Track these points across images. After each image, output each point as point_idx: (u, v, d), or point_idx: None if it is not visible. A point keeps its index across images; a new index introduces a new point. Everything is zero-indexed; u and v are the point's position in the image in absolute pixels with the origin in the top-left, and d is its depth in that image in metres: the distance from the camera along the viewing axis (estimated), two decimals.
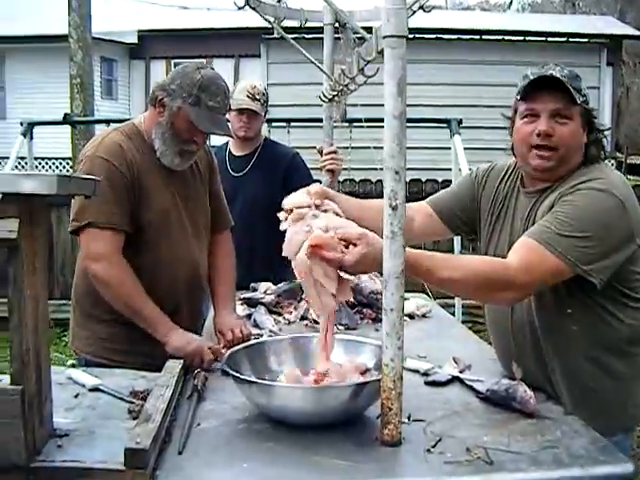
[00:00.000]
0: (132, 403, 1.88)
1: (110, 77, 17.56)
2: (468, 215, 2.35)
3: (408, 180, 1.79)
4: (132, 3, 17.18)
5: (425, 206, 2.42)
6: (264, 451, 1.65)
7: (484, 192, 2.30)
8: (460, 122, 6.04)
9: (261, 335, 2.66)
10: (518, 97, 2.06)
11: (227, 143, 3.86)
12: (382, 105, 1.58)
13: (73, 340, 2.68)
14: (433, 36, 13.32)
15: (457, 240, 5.56)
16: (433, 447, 1.64)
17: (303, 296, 3.10)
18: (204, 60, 14.19)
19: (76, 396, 1.96)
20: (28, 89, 16.54)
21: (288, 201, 1.99)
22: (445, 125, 6.16)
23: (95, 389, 2.01)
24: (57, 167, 16.62)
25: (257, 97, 3.64)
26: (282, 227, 1.95)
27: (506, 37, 14.21)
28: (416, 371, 2.20)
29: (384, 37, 1.58)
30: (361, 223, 1.89)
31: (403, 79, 1.57)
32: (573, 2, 29.93)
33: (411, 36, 1.58)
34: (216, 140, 4.05)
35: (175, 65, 3.27)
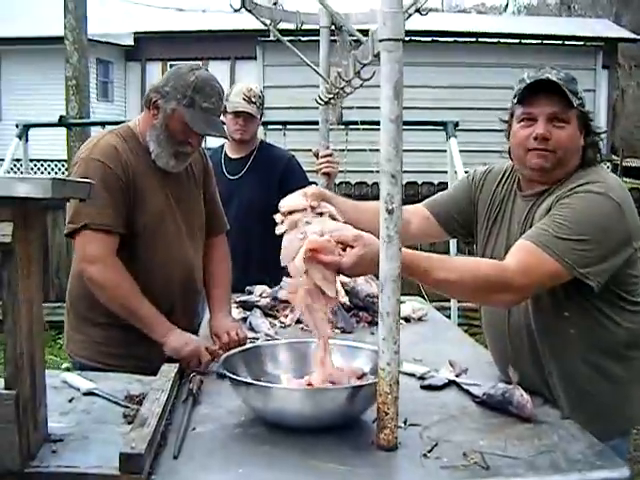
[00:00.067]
0: (127, 407, 1.87)
1: (106, 79, 17.57)
2: (465, 218, 2.35)
3: (404, 183, 1.79)
4: (128, 5, 17.19)
5: (422, 209, 2.41)
6: (260, 455, 1.64)
7: (481, 195, 2.30)
8: (456, 125, 6.05)
9: (257, 339, 2.65)
10: (515, 101, 2.06)
11: (223, 146, 3.85)
12: (378, 107, 1.58)
13: (68, 344, 2.67)
14: (429, 39, 13.31)
15: (453, 243, 5.56)
16: (429, 452, 1.63)
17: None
18: (200, 62, 14.21)
19: (71, 400, 1.95)
20: (24, 91, 16.55)
21: (284, 203, 1.98)
22: (441, 128, 6.17)
23: (90, 393, 2.00)
24: (52, 169, 16.62)
25: (253, 100, 3.63)
26: (277, 231, 1.94)
27: (502, 40, 14.23)
28: (412, 375, 2.19)
29: (380, 40, 1.57)
30: (358, 225, 1.88)
31: (400, 82, 1.57)
32: (569, 5, 30.01)
33: (407, 39, 1.57)
34: (212, 142, 4.04)
35: (171, 67, 3.26)
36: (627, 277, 1.95)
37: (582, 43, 14.64)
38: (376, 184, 7.50)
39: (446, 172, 6.16)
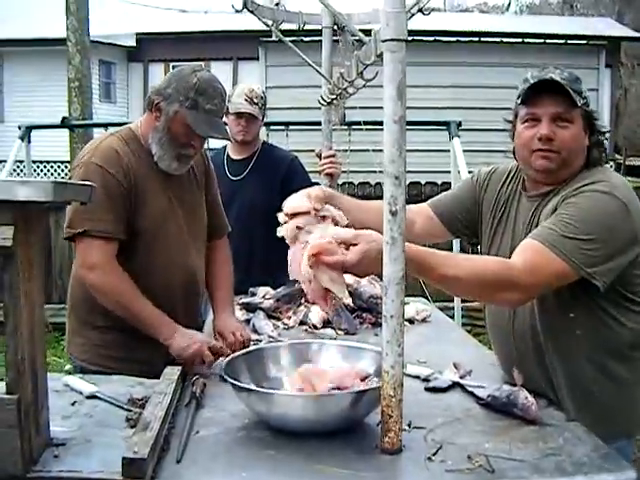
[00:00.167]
0: (130, 411, 1.86)
1: (108, 80, 17.57)
2: (469, 218, 2.34)
3: (407, 183, 1.77)
4: (130, 6, 17.19)
5: (426, 208, 2.40)
6: (264, 459, 1.63)
7: (486, 195, 2.29)
8: (459, 124, 6.04)
9: (260, 340, 2.64)
10: (519, 101, 2.05)
11: (225, 147, 3.85)
12: (381, 107, 1.57)
13: (69, 347, 2.66)
14: (431, 38, 13.28)
15: (456, 243, 5.55)
16: (434, 455, 1.62)
17: (302, 301, 3.10)
18: (202, 63, 14.21)
19: (73, 404, 1.94)
20: (26, 92, 16.55)
21: (288, 204, 1.97)
22: (444, 128, 6.15)
23: (92, 396, 1.99)
24: (55, 171, 16.63)
25: (255, 101, 3.63)
26: (279, 233, 1.93)
27: (505, 39, 14.19)
28: (416, 377, 2.18)
29: (383, 41, 1.56)
30: (363, 225, 1.86)
31: (403, 83, 1.56)
32: (571, 4, 29.98)
33: (409, 38, 1.56)
34: (214, 143, 4.03)
35: (174, 68, 3.25)
36: (633, 278, 1.94)
37: (585, 42, 14.60)
38: (379, 184, 7.49)
39: (449, 172, 6.15)
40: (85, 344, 2.57)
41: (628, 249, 1.88)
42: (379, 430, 1.66)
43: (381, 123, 1.58)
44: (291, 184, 3.40)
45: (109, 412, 1.89)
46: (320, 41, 3.47)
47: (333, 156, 3.64)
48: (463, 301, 6.07)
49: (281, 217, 1.95)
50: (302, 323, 2.96)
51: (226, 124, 3.24)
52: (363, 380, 1.91)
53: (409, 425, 1.77)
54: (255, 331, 2.79)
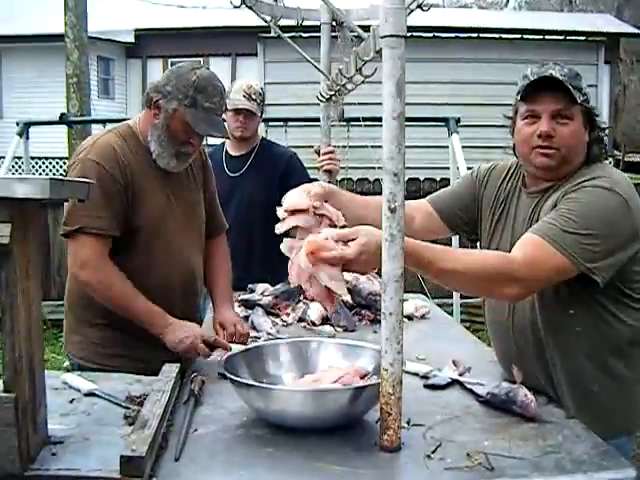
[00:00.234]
0: (128, 408, 1.86)
1: (107, 76, 17.52)
2: (469, 215, 2.33)
3: (406, 179, 1.76)
4: (128, 2, 17.15)
5: (425, 204, 2.39)
6: (263, 457, 1.62)
7: (485, 192, 2.28)
8: (458, 121, 6.03)
9: (258, 337, 2.64)
10: (518, 97, 2.04)
11: (224, 143, 3.84)
12: (380, 104, 1.56)
13: (66, 344, 2.66)
14: (430, 34, 13.27)
15: (455, 239, 5.55)
16: (433, 452, 1.62)
17: (301, 297, 3.09)
18: (201, 59, 14.19)
19: (71, 401, 1.94)
20: (25, 88, 16.51)
21: (287, 200, 1.96)
22: (443, 124, 6.15)
23: (91, 394, 1.99)
24: (54, 167, 16.60)
25: (253, 97, 3.62)
26: (277, 230, 1.93)
27: (503, 35, 14.16)
28: (415, 374, 2.18)
29: (382, 37, 1.55)
30: (364, 222, 1.85)
31: (402, 79, 1.55)
32: (570, 0, 29.92)
33: (408, 34, 1.55)
34: (212, 139, 4.02)
35: (172, 64, 3.23)
36: (632, 274, 1.94)
37: (584, 38, 14.58)
38: (378, 180, 7.49)
39: (448, 168, 6.15)
40: (82, 342, 2.56)
41: (628, 245, 1.88)
42: (378, 427, 1.65)
43: (380, 119, 1.58)
44: (290, 180, 3.39)
45: (107, 410, 1.89)
46: (319, 37, 3.46)
47: (332, 152, 3.64)
48: (462, 297, 6.08)
49: (280, 212, 1.95)
50: (301, 320, 2.95)
51: (224, 120, 3.24)
52: (362, 378, 1.90)
53: (408, 422, 1.77)
54: (254, 328, 2.79)
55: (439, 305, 3.54)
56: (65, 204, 2.41)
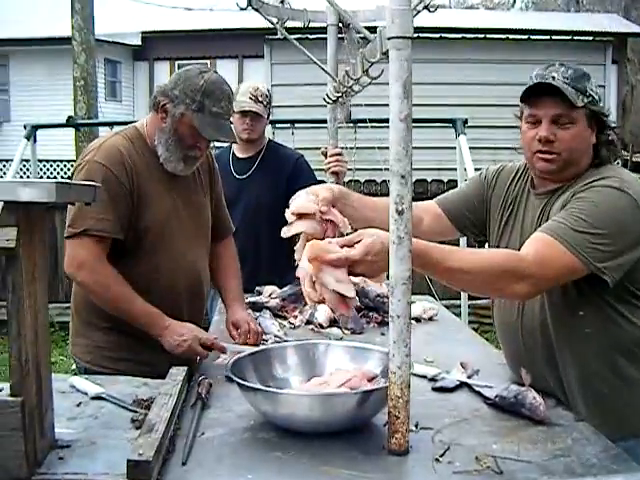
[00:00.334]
0: (135, 412, 1.85)
1: (114, 79, 17.60)
2: (477, 216, 2.32)
3: (413, 180, 1.75)
4: (135, 5, 17.19)
5: (433, 205, 2.38)
6: (270, 461, 1.62)
7: (494, 193, 2.27)
8: (465, 122, 6.02)
9: (266, 340, 2.63)
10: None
11: (231, 145, 3.84)
12: (387, 105, 1.55)
13: (72, 348, 2.66)
14: (437, 35, 13.25)
15: (463, 241, 5.53)
16: (441, 456, 1.61)
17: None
18: (208, 61, 14.22)
19: (78, 405, 1.93)
20: (32, 92, 16.59)
21: (295, 204, 1.96)
22: (450, 125, 6.13)
23: (98, 397, 1.98)
24: (61, 169, 16.65)
25: (260, 99, 3.62)
26: (284, 234, 1.92)
27: (510, 36, 14.13)
28: (423, 377, 2.17)
29: (389, 38, 1.55)
30: (373, 224, 1.84)
31: (409, 81, 1.54)
32: (577, 0, 29.86)
33: (415, 36, 1.55)
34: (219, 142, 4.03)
35: (179, 66, 3.23)
36: None
37: (591, 38, 14.53)
38: (385, 182, 7.48)
39: (456, 169, 6.14)
40: (88, 345, 2.56)
41: (638, 245, 1.87)
42: (386, 431, 1.64)
43: (387, 120, 1.56)
44: (297, 183, 3.38)
45: (114, 413, 1.88)
46: (325, 39, 3.45)
47: (339, 154, 3.63)
48: (470, 299, 6.06)
49: (288, 215, 1.94)
50: (308, 322, 2.95)
51: (231, 123, 3.23)
52: (370, 381, 1.89)
53: (416, 426, 1.75)
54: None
55: (447, 307, 3.53)
56: (70, 206, 2.40)
